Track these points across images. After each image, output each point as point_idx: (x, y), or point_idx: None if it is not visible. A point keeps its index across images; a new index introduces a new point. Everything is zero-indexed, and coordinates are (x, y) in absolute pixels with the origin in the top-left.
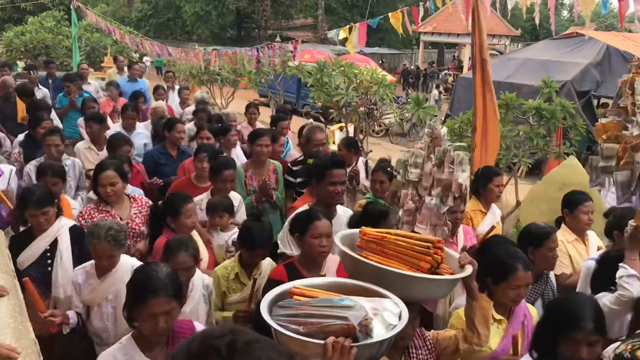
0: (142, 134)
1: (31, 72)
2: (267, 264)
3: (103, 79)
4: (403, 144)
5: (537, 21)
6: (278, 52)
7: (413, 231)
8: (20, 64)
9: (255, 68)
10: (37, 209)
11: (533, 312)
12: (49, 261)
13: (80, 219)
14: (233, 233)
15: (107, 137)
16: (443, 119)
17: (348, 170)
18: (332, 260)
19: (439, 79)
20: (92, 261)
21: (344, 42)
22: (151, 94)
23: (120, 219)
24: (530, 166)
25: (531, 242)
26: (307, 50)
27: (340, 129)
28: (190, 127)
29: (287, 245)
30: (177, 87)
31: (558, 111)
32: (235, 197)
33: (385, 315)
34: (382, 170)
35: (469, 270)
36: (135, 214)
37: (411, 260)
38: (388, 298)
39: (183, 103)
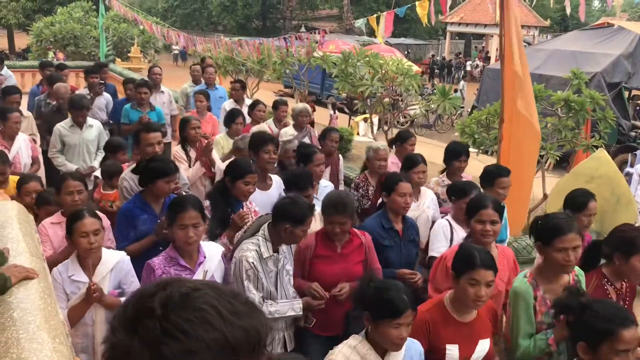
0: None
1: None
2: None
3: (130, 68)
4: (428, 136)
5: (567, 11)
6: (305, 42)
7: None
8: (50, 54)
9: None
10: None
11: None
12: None
13: None
14: None
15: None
16: (469, 110)
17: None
18: None
19: (465, 70)
20: None
21: (370, 32)
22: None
23: None
24: (558, 159)
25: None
26: (332, 41)
27: (365, 120)
28: None
29: None
30: (246, 99)
31: (587, 103)
32: None
33: None
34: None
35: None
36: None
37: None
38: None
39: (279, 121)
